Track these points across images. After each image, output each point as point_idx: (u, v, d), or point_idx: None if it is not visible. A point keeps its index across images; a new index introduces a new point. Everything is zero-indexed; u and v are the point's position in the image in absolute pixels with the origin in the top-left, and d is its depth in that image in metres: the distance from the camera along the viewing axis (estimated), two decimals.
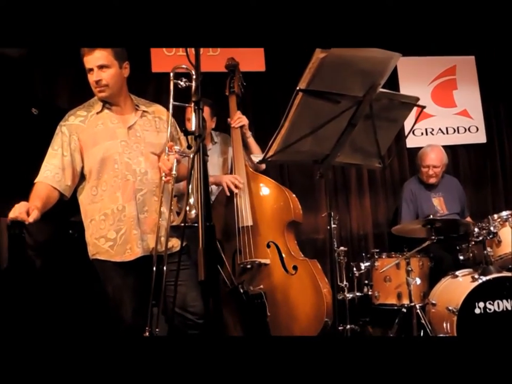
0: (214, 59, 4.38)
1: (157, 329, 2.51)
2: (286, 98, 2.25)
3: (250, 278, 3.35)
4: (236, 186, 3.39)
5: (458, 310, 3.38)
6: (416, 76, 5.14)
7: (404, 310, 3.74)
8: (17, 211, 2.31)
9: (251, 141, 3.63)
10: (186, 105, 2.51)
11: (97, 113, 2.65)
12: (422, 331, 3.65)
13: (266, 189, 3.54)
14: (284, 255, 3.38)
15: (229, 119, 3.63)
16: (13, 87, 3.53)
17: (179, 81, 2.35)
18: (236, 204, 3.43)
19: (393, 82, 4.92)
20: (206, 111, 3.44)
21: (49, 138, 2.68)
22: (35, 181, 2.58)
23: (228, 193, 3.42)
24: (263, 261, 3.35)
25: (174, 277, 2.40)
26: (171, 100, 2.51)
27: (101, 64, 2.55)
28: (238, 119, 3.57)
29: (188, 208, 2.16)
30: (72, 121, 2.64)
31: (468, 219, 4.43)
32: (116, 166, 2.59)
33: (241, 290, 3.24)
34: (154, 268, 2.50)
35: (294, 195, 3.53)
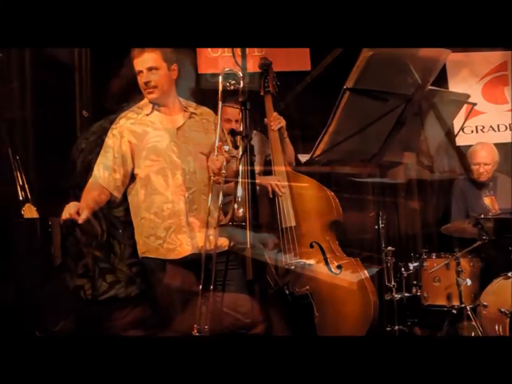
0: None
1: (206, 326, 2.53)
2: (332, 97, 2.24)
3: (294, 279, 3.32)
4: (279, 190, 3.39)
5: (511, 312, 3.29)
6: (466, 73, 5.02)
7: (454, 311, 3.66)
8: (68, 212, 2.39)
9: (287, 141, 3.61)
10: (235, 106, 2.52)
11: (147, 115, 2.71)
12: (473, 333, 3.57)
13: (307, 189, 3.50)
14: (327, 255, 3.36)
15: (265, 120, 3.61)
16: (64, 91, 3.64)
17: (227, 83, 2.36)
18: (278, 205, 3.41)
19: (442, 79, 4.81)
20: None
21: (100, 140, 2.75)
22: (88, 180, 2.65)
23: (271, 195, 3.41)
24: (307, 261, 3.33)
25: (222, 277, 2.42)
26: (220, 101, 2.53)
27: (150, 66, 2.61)
28: (277, 121, 3.55)
29: (236, 207, 2.17)
30: (123, 123, 2.70)
31: None
32: (166, 166, 2.63)
33: (287, 292, 3.23)
34: (203, 267, 2.53)
35: (333, 193, 3.50)
